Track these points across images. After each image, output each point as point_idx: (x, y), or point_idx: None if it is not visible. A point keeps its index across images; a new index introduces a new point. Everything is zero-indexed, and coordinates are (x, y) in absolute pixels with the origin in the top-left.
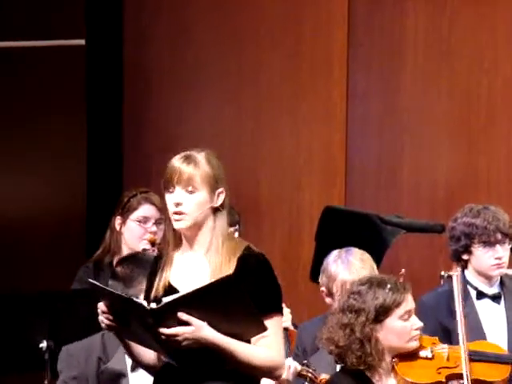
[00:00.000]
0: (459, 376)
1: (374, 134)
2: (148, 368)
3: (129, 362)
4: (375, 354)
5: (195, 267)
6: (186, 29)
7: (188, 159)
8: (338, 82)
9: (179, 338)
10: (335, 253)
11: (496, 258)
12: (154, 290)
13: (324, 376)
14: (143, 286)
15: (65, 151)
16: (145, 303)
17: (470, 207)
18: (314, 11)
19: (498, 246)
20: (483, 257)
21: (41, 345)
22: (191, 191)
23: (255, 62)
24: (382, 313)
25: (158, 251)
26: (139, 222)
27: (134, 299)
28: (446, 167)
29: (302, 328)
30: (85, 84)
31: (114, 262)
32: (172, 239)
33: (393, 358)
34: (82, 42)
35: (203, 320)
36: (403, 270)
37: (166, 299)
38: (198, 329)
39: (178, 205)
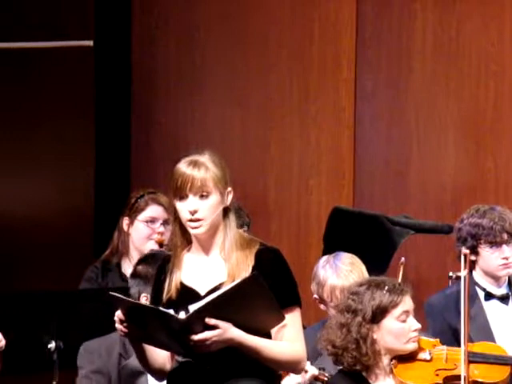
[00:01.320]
0: (457, 378)
1: (382, 135)
2: (161, 374)
3: None
4: (371, 355)
5: (210, 266)
6: (194, 31)
7: (196, 165)
8: (347, 83)
9: (208, 343)
10: (324, 258)
11: (503, 258)
12: (165, 292)
13: None
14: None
15: (73, 152)
16: (172, 312)
17: (476, 208)
18: (323, 12)
19: (504, 246)
20: (490, 257)
21: (49, 345)
22: (205, 196)
23: (263, 64)
24: (379, 313)
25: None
26: (147, 222)
27: (162, 310)
28: (454, 168)
29: (308, 332)
30: (93, 85)
31: (122, 263)
32: (180, 241)
33: (391, 359)
34: (91, 43)
35: (228, 320)
36: (403, 258)
37: (192, 307)
38: (225, 331)
39: (193, 213)
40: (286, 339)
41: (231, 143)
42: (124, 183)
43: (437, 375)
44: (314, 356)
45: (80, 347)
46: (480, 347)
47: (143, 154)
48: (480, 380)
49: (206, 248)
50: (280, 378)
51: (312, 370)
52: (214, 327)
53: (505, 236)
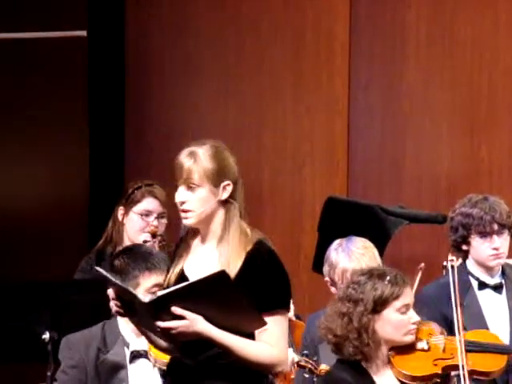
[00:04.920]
0: (455, 367)
1: (376, 124)
2: (168, 352)
3: (127, 353)
4: (372, 344)
5: (207, 258)
6: (188, 20)
7: (189, 155)
8: (341, 72)
9: (174, 332)
10: (337, 241)
11: (493, 249)
12: (167, 277)
13: (324, 366)
14: (139, 280)
15: (67, 142)
16: (140, 296)
17: (469, 198)
18: (316, 2)
19: (494, 236)
20: (480, 247)
21: (44, 336)
22: (192, 188)
23: (257, 52)
24: (380, 304)
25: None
26: (141, 215)
27: (130, 289)
28: (448, 157)
29: (311, 319)
30: (87, 75)
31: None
32: (191, 228)
33: (389, 350)
34: (84, 33)
35: (199, 314)
36: (422, 264)
37: (159, 292)
38: (192, 322)
39: (181, 203)
40: (266, 341)
41: (225, 132)
42: (118, 173)
43: (435, 365)
44: (320, 341)
45: (61, 341)
46: (477, 336)
47: (137, 144)
48: (477, 369)
49: (205, 239)
50: (273, 379)
51: (292, 357)
52: (181, 317)
53: (495, 226)
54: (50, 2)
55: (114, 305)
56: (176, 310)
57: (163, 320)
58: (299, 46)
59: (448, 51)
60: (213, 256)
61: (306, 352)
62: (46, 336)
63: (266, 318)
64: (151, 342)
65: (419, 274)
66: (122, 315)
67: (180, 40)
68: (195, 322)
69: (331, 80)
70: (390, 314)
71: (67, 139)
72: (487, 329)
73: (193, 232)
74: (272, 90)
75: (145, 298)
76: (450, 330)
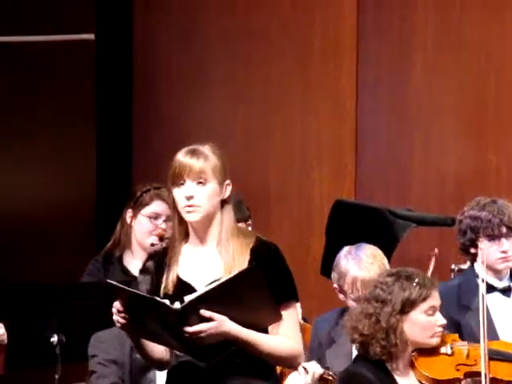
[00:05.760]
0: (477, 374)
1: (383, 127)
2: (160, 364)
3: None
4: (400, 345)
5: (206, 261)
6: (197, 26)
7: (196, 153)
8: (348, 74)
9: (203, 335)
10: (346, 249)
11: (501, 252)
12: (162, 285)
13: None
14: None
15: (75, 144)
16: (168, 303)
17: (477, 201)
18: (324, 4)
19: (503, 239)
20: (489, 251)
21: (52, 339)
22: (202, 183)
23: (265, 55)
24: (408, 305)
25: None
26: (150, 218)
27: (158, 299)
28: (456, 160)
29: (318, 321)
30: (95, 78)
31: (124, 256)
32: (178, 234)
33: (412, 352)
34: (92, 36)
35: (222, 313)
36: (436, 249)
37: (188, 298)
38: (220, 323)
39: (190, 198)
40: (283, 334)
41: (233, 135)
42: (125, 176)
43: (457, 370)
44: (329, 343)
45: (91, 338)
46: (500, 346)
47: (145, 147)
48: (500, 378)
49: (203, 240)
50: (282, 377)
51: (317, 370)
52: (209, 319)
53: (503, 229)
54: (59, 5)
55: (119, 318)
56: (205, 312)
57: (190, 324)
58: (307, 52)
59: (455, 54)
60: (213, 257)
61: (327, 366)
62: (54, 339)
63: (281, 311)
64: (145, 355)
65: (433, 260)
66: (128, 328)
67: (188, 46)
68: (223, 323)
69: (339, 83)
70: (418, 315)
71: (75, 142)
72: (495, 332)
73: (180, 238)
74: (280, 95)
75: (174, 305)
76: (457, 333)
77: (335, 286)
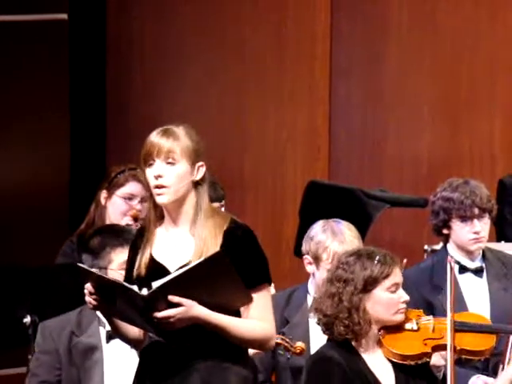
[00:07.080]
0: (445, 347)
1: (357, 110)
2: (136, 343)
3: (103, 333)
4: (363, 324)
5: (180, 243)
6: (170, 3)
7: (167, 133)
8: (322, 58)
9: (172, 320)
10: (321, 223)
11: (474, 233)
12: (136, 267)
13: (300, 344)
14: (112, 257)
15: (48, 127)
16: (136, 289)
17: (450, 182)
18: None
19: (475, 220)
20: (461, 231)
21: (24, 320)
22: (171, 163)
23: (239, 38)
24: (370, 283)
25: (140, 226)
26: (125, 198)
27: (125, 284)
28: (429, 142)
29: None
30: (68, 59)
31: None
32: (153, 215)
33: (379, 330)
34: (65, 16)
35: (191, 298)
36: (405, 260)
37: (155, 284)
38: (189, 308)
39: (158, 177)
40: (255, 317)
41: (207, 117)
42: (99, 155)
43: (425, 344)
44: (283, 323)
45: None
46: (465, 317)
47: (118, 128)
48: (467, 348)
49: (176, 222)
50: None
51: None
52: (177, 305)
53: (475, 210)
54: None
55: (92, 300)
56: (173, 298)
57: (159, 310)
58: (281, 33)
59: (429, 38)
60: (186, 239)
61: (281, 331)
62: (27, 320)
63: (253, 294)
64: (121, 334)
65: (402, 270)
66: (101, 309)
67: (161, 24)
68: (191, 308)
69: (312, 67)
70: (381, 292)
71: (48, 123)
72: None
73: (155, 219)
74: (254, 76)
75: (142, 291)
76: (430, 313)
77: (307, 256)
